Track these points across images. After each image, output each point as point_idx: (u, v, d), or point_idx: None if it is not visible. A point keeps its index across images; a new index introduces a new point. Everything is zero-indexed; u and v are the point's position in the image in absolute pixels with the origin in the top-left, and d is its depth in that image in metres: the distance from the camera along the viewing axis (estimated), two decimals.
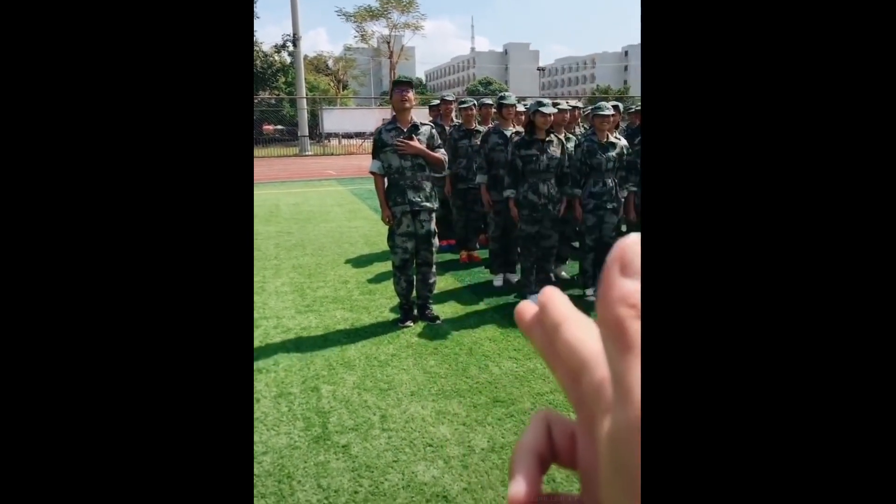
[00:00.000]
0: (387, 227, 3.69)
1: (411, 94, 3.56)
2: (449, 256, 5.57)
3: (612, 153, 4.06)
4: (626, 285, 0.18)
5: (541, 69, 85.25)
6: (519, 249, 4.33)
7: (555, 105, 4.29)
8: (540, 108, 3.93)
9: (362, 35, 28.01)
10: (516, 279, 4.64)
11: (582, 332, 0.21)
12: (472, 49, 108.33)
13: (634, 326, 0.18)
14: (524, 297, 3.04)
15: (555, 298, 0.23)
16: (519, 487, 0.21)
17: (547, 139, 4.00)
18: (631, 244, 0.19)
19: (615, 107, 4.22)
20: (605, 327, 0.19)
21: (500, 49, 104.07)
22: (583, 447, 0.21)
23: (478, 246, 5.45)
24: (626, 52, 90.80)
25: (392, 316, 3.98)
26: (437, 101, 5.84)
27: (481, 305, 4.19)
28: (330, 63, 44.42)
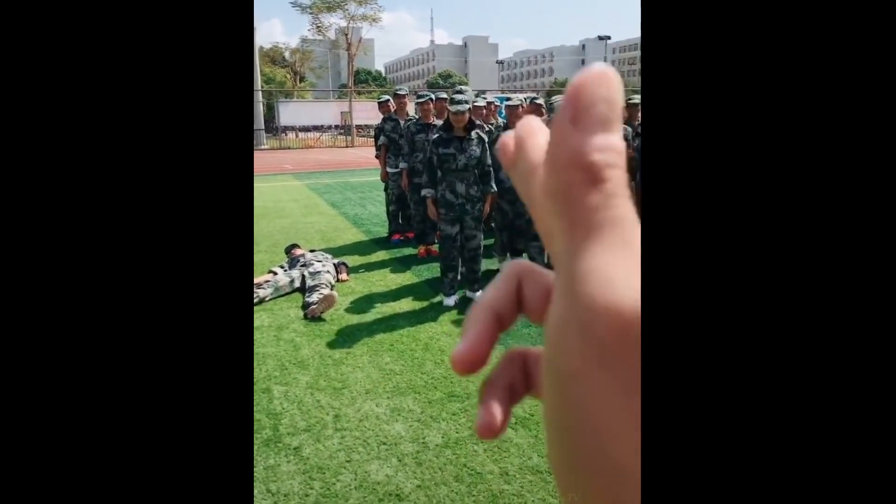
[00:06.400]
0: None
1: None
2: (407, 251, 5.53)
3: None
4: (576, 140, 0.14)
5: (500, 62, 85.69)
6: (440, 250, 4.17)
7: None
8: (455, 105, 3.76)
9: (318, 27, 27.47)
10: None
11: None
12: (432, 42, 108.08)
13: (586, 195, 0.14)
14: (446, 295, 2.94)
15: (533, 134, 0.18)
16: (462, 346, 0.17)
17: (467, 137, 3.84)
18: (590, 80, 0.14)
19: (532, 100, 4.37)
20: (550, 196, 0.14)
21: (459, 42, 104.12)
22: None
23: (436, 241, 5.43)
24: (583, 46, 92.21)
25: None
26: (385, 98, 5.78)
27: (438, 299, 4.17)
28: (286, 55, 43.47)
